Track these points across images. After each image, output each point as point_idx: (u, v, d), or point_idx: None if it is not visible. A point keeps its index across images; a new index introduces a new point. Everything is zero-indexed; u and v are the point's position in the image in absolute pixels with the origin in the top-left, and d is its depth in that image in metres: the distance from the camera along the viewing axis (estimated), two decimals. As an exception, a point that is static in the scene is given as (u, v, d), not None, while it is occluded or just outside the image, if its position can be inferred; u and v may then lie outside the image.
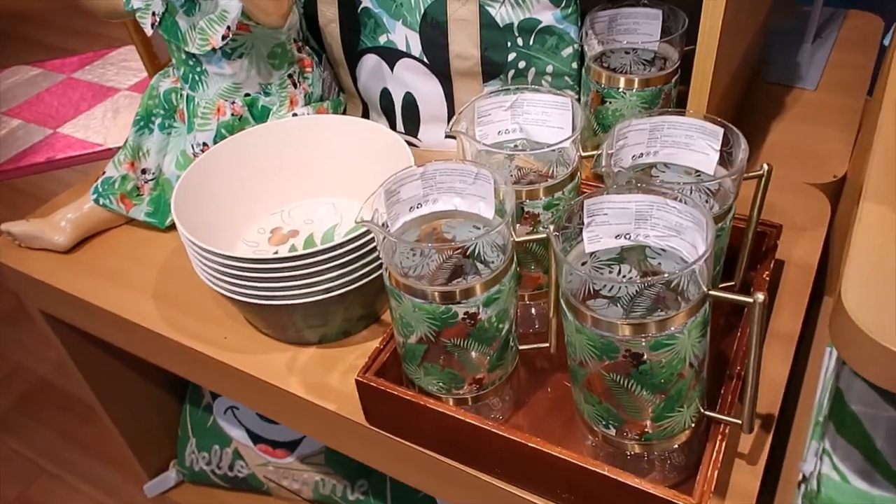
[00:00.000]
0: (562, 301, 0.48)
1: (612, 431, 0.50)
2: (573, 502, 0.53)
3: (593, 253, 0.51)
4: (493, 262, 0.54)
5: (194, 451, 1.07)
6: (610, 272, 0.53)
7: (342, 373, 0.65)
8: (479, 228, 0.55)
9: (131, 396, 1.04)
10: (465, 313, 0.50)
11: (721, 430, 0.50)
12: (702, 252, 0.45)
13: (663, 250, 0.50)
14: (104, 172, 0.82)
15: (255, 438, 1.02)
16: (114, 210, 0.82)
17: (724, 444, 0.50)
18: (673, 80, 0.71)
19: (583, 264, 0.51)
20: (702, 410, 0.50)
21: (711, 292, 0.44)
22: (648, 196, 0.48)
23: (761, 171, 0.54)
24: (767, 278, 0.62)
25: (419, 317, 0.50)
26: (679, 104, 0.76)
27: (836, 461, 0.59)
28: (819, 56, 1.01)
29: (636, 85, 0.70)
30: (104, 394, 1.00)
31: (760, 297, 0.42)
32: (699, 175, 0.57)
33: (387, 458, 0.63)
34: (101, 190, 0.81)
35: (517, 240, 0.50)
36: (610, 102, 0.72)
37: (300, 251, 0.59)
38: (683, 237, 0.48)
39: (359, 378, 0.57)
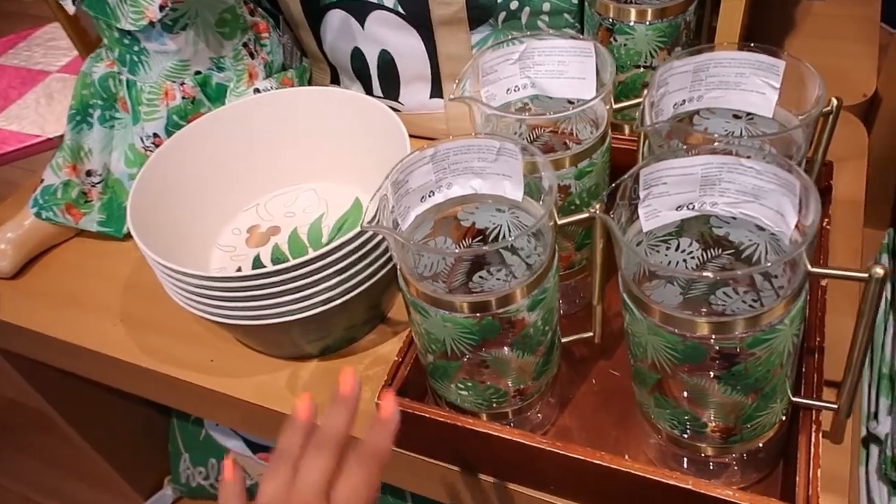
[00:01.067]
0: (624, 295, 0.39)
1: (688, 434, 0.43)
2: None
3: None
4: (523, 251, 0.46)
5: (189, 467, 0.98)
6: (668, 249, 0.44)
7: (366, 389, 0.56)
8: (502, 211, 0.46)
9: (109, 418, 0.94)
10: (508, 321, 0.41)
11: (814, 418, 0.43)
12: (793, 220, 0.37)
13: (733, 217, 0.41)
14: (42, 181, 0.70)
15: (254, 447, 0.94)
16: (60, 223, 0.71)
17: (819, 435, 0.42)
18: (692, 7, 0.61)
19: (637, 244, 0.42)
20: (791, 398, 0.43)
21: (815, 269, 0.35)
22: (717, 157, 0.39)
23: (830, 107, 0.46)
24: (828, 226, 0.54)
25: (451, 331, 0.42)
26: (697, 34, 0.67)
27: (925, 426, 0.53)
28: (823, -37, 0.91)
29: (650, 16, 0.61)
30: (77, 418, 0.90)
31: (879, 271, 0.34)
32: (751, 119, 0.49)
33: (419, 478, 0.55)
34: (41, 201, 0.70)
35: (562, 222, 0.41)
36: (621, 39, 0.62)
37: (290, 259, 0.49)
38: (763, 202, 0.39)
39: (380, 400, 0.48)
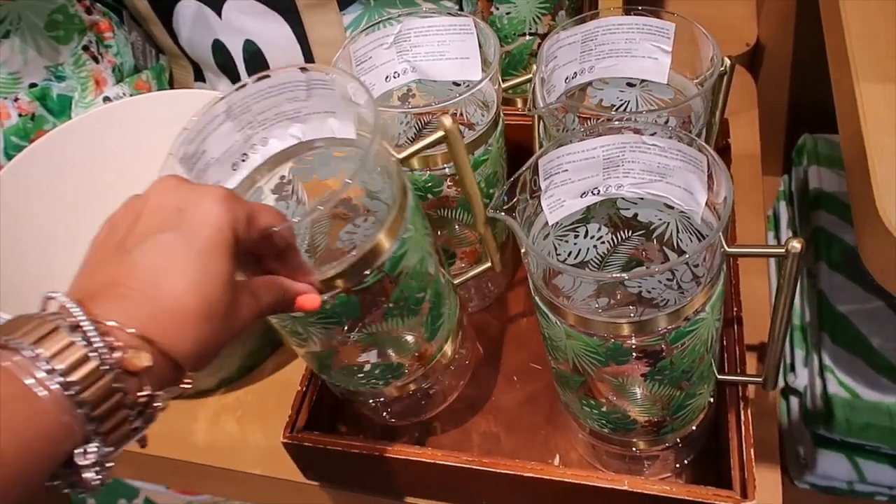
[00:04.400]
0: (536, 298, 0.36)
1: (620, 432, 0.41)
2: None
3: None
4: (381, 192, 0.38)
5: (97, 512, 0.90)
6: (576, 237, 0.41)
7: (262, 422, 0.51)
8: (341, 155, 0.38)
9: None
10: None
11: (741, 394, 0.42)
12: (703, 197, 0.35)
13: (641, 198, 0.39)
14: None
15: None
16: None
17: (749, 411, 0.41)
18: (571, -32, 0.58)
19: (545, 237, 0.39)
20: (717, 376, 0.41)
21: (732, 249, 0.33)
22: (618, 137, 0.36)
23: (724, 67, 0.43)
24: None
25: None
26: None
27: (841, 376, 0.53)
28: None
29: (529, -19, 0.57)
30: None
31: (797, 246, 0.32)
32: (645, 85, 0.46)
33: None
34: None
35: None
36: (503, 9, 0.58)
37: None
38: (671, 180, 0.36)
39: (286, 440, 0.43)
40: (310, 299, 0.32)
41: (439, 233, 0.48)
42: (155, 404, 0.25)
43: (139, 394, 0.24)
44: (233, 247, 0.27)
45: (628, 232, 0.41)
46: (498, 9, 0.58)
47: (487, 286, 0.55)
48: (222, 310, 0.26)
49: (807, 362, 0.57)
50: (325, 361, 0.40)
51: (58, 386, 0.22)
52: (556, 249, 0.40)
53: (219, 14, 0.62)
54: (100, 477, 0.23)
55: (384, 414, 0.47)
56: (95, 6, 0.62)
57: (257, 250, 0.30)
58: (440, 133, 0.37)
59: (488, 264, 0.46)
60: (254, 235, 0.29)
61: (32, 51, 0.57)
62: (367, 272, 0.34)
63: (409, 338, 0.41)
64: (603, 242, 0.42)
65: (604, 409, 0.39)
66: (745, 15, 0.77)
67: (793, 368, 0.58)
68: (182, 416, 0.52)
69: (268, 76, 0.35)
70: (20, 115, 0.59)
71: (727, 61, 0.44)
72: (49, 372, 0.22)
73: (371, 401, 0.45)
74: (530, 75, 0.46)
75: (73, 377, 0.22)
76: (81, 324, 0.23)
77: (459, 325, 0.44)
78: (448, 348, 0.43)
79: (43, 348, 0.22)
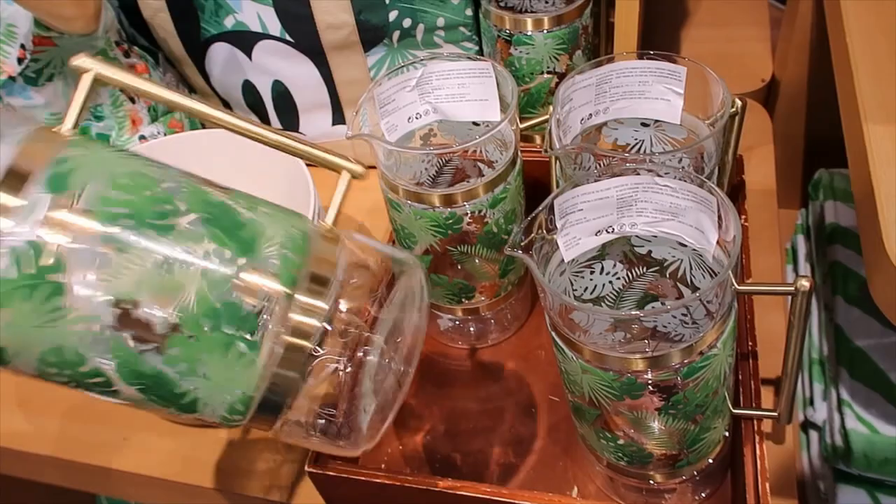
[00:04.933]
0: (552, 333, 0.37)
1: (636, 465, 0.41)
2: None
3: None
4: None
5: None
6: (591, 273, 0.42)
7: (288, 450, 0.53)
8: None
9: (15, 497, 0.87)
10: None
11: (756, 428, 0.42)
12: (713, 236, 0.36)
13: (654, 235, 0.40)
14: None
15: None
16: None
17: (763, 446, 0.42)
18: (588, 10, 0.60)
19: (561, 274, 0.41)
20: (732, 410, 0.42)
21: (743, 287, 0.34)
22: (631, 178, 0.37)
23: (735, 108, 0.45)
24: (746, 223, 0.54)
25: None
26: (596, 32, 0.65)
27: (859, 410, 0.53)
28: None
29: (547, 24, 0.59)
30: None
31: (805, 284, 0.33)
32: (659, 125, 0.48)
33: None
34: None
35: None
36: (521, 50, 0.60)
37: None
38: (682, 219, 0.38)
39: (311, 469, 0.45)
40: None
41: (459, 267, 0.50)
42: None
43: None
44: None
45: (643, 268, 0.42)
46: (515, 50, 0.60)
47: (507, 318, 0.56)
48: None
49: (825, 396, 0.57)
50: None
51: None
52: (572, 285, 0.42)
53: (249, 56, 0.65)
54: None
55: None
56: (133, 49, 0.65)
57: None
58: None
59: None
60: None
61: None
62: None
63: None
64: (618, 278, 0.43)
65: (620, 442, 0.40)
66: (761, 51, 0.79)
67: (812, 403, 0.58)
68: (207, 441, 0.54)
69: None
70: (60, 154, 0.61)
71: (738, 102, 0.45)
72: None
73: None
74: (547, 116, 0.47)
75: None
76: None
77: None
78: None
79: None
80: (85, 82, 0.32)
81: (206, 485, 0.52)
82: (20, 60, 0.55)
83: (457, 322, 0.56)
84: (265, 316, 0.30)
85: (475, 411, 0.53)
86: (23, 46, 0.55)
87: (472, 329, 0.56)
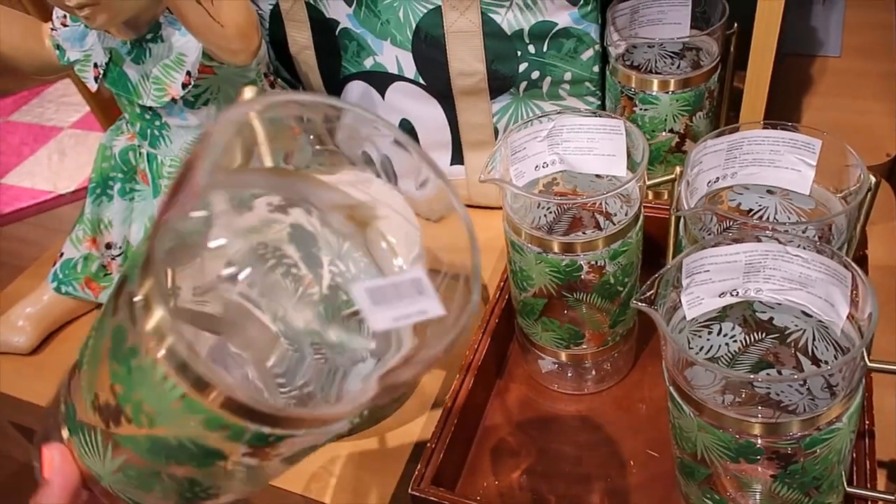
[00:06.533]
0: (670, 387, 0.38)
1: (741, 530, 0.41)
2: None
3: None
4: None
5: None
6: (709, 333, 0.43)
7: (379, 472, 0.55)
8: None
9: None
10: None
11: (869, 509, 0.41)
12: (844, 310, 0.36)
13: (778, 303, 0.40)
14: (62, 254, 0.70)
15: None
16: (80, 297, 0.70)
17: (878, 529, 0.41)
18: (715, 76, 0.61)
19: (680, 331, 0.41)
20: (846, 489, 0.41)
21: (874, 365, 0.34)
22: (762, 245, 0.38)
23: (869, 185, 0.45)
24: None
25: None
26: (720, 95, 0.66)
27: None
28: (835, 17, 0.92)
29: (673, 86, 0.60)
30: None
31: (940, 367, 0.33)
32: (785, 193, 0.48)
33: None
34: (61, 276, 0.69)
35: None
36: (644, 108, 0.62)
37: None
38: (811, 290, 0.38)
39: (413, 492, 0.47)
40: None
41: (566, 313, 0.51)
42: None
43: None
44: None
45: (762, 334, 0.43)
46: (641, 108, 0.62)
47: (606, 369, 0.57)
48: None
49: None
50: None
51: None
52: (689, 343, 0.42)
53: (382, 95, 0.69)
54: None
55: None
56: (278, 82, 0.71)
57: None
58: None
59: None
60: None
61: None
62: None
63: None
64: (735, 341, 0.43)
65: (727, 504, 0.40)
66: (886, 124, 0.77)
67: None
68: (318, 458, 0.56)
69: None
70: (204, 171, 0.67)
71: (872, 179, 0.45)
72: None
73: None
74: (672, 176, 0.49)
75: None
76: None
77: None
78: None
79: None
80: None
81: (315, 496, 0.54)
82: (184, 86, 0.61)
83: (557, 366, 0.57)
84: None
85: (571, 456, 0.53)
86: (188, 73, 0.61)
87: (569, 374, 0.57)
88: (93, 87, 0.64)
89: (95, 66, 0.64)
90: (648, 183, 0.50)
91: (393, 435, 0.57)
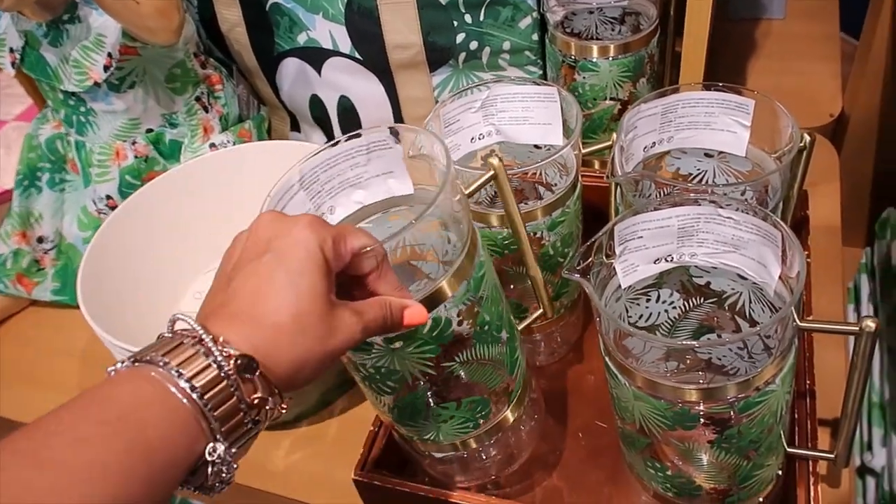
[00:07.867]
0: (606, 358, 0.37)
1: (684, 496, 0.41)
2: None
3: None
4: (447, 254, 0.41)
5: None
6: (648, 301, 0.42)
7: (338, 457, 0.54)
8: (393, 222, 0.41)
9: None
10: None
11: (811, 469, 0.41)
12: (776, 271, 0.36)
13: (714, 267, 0.40)
14: (-10, 251, 0.67)
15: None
16: (11, 294, 0.67)
17: (818, 488, 0.41)
18: (654, 40, 0.60)
19: (617, 300, 0.41)
20: (787, 449, 0.41)
21: (805, 324, 0.34)
22: (693, 208, 0.37)
23: (803, 143, 0.44)
24: (809, 259, 0.53)
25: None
26: (661, 61, 0.65)
27: (921, 458, 0.51)
28: (779, -20, 0.92)
29: (612, 52, 0.59)
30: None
31: (871, 324, 0.33)
32: (723, 156, 0.47)
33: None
34: (-10, 273, 0.66)
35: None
36: (585, 76, 0.61)
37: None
38: (744, 252, 0.37)
39: (356, 477, 0.45)
40: (416, 312, 0.33)
41: (512, 287, 0.50)
42: (266, 407, 0.27)
43: (252, 396, 0.27)
44: (323, 266, 0.29)
45: (700, 299, 0.42)
46: (581, 75, 0.60)
47: (556, 341, 0.57)
48: (314, 322, 0.29)
49: (885, 442, 0.55)
50: (420, 405, 0.40)
51: (187, 387, 0.25)
52: (627, 311, 0.42)
53: (318, 72, 0.67)
54: (227, 475, 0.26)
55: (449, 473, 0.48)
56: (209, 61, 0.68)
57: (353, 271, 0.32)
58: (490, 173, 0.40)
59: (541, 311, 0.47)
60: (346, 256, 0.31)
61: (152, 100, 0.63)
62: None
63: (493, 370, 0.41)
64: (674, 307, 0.43)
65: (668, 472, 0.39)
66: (830, 86, 0.77)
67: (870, 447, 0.56)
68: (261, 446, 0.55)
69: (335, 143, 0.38)
70: (136, 157, 0.64)
71: (807, 137, 0.44)
72: (179, 376, 0.26)
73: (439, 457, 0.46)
74: (609, 142, 0.48)
75: (198, 382, 0.26)
76: (203, 339, 0.27)
77: (528, 385, 0.45)
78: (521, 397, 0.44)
79: (174, 360, 0.26)
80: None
81: (268, 489, 0.53)
82: (106, 68, 0.58)
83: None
84: None
85: (521, 432, 0.53)
86: (109, 55, 0.58)
87: (521, 350, 0.56)
88: (10, 72, 0.61)
89: (11, 50, 0.60)
90: (586, 151, 0.49)
91: (347, 420, 0.56)
